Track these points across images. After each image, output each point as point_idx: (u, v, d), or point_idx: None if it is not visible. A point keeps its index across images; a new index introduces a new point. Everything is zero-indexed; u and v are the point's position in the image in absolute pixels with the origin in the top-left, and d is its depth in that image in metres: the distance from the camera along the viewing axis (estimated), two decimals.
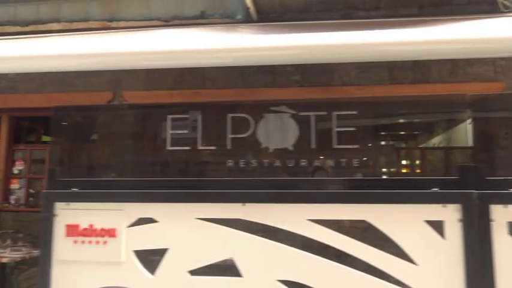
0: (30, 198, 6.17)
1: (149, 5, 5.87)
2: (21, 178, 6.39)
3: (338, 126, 2.91)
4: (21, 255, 4.83)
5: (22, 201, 6.28)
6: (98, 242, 1.86)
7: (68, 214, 1.91)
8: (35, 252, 5.06)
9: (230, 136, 2.68)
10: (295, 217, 1.74)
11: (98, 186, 1.94)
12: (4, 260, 4.67)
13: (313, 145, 2.65)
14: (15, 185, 6.37)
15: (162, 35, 5.17)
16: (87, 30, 5.85)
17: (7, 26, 6.16)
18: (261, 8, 5.45)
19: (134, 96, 5.82)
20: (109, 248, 1.85)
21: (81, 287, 1.86)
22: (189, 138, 3.08)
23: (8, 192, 6.33)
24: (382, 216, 1.69)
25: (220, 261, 1.80)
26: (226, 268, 1.80)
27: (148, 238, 1.85)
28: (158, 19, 5.80)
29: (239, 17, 5.50)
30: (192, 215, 1.81)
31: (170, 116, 3.17)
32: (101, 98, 5.87)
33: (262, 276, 1.75)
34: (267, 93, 5.48)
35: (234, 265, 1.77)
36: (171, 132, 3.11)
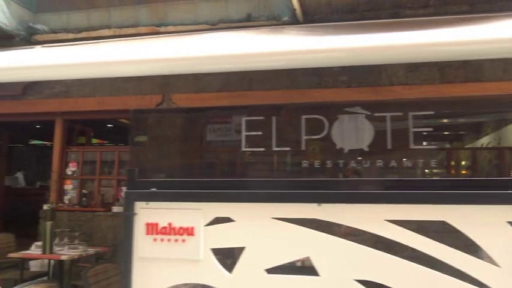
0: (83, 198, 6.41)
1: (196, 9, 6.00)
2: (74, 179, 6.65)
3: (415, 127, 2.88)
4: (78, 253, 5.04)
5: (75, 201, 6.54)
6: (176, 240, 1.93)
7: (147, 213, 1.98)
8: (91, 251, 5.28)
9: (304, 137, 2.71)
10: (372, 217, 1.75)
11: (175, 186, 2.02)
12: (63, 258, 4.88)
13: (389, 145, 2.65)
14: (68, 185, 6.65)
15: (211, 38, 5.26)
16: (136, 36, 6.04)
17: (61, 34, 6.43)
18: (307, 9, 5.46)
19: (183, 99, 5.96)
20: (188, 246, 1.91)
21: (161, 282, 1.94)
22: (263, 140, 3.13)
23: (62, 192, 6.60)
24: (462, 217, 1.68)
25: (296, 260, 1.83)
26: (303, 267, 1.82)
27: (225, 237, 1.91)
28: (205, 23, 5.92)
29: (285, 18, 5.53)
30: (267, 215, 1.85)
31: (245, 118, 3.23)
32: (150, 101, 6.04)
33: (339, 275, 1.77)
34: (314, 95, 5.49)
35: (311, 264, 1.80)
36: (245, 134, 3.17)
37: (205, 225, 1.92)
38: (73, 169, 6.68)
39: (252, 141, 3.20)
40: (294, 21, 5.53)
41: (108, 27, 6.26)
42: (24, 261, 5.37)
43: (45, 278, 5.64)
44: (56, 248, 5.06)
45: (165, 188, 2.02)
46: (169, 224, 1.95)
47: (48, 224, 4.97)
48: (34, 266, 5.88)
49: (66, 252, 5.01)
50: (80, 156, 6.72)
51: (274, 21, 5.63)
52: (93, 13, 6.36)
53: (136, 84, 6.13)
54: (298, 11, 5.44)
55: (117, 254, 5.09)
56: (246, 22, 5.76)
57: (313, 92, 5.50)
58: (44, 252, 4.94)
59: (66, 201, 6.50)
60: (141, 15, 6.16)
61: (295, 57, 4.20)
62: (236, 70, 4.68)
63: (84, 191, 6.50)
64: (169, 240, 1.94)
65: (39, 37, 6.46)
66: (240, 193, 1.89)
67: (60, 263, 5.19)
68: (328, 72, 5.52)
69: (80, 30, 6.35)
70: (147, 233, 1.98)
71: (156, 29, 6.11)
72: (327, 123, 2.81)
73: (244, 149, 3.19)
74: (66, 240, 5.35)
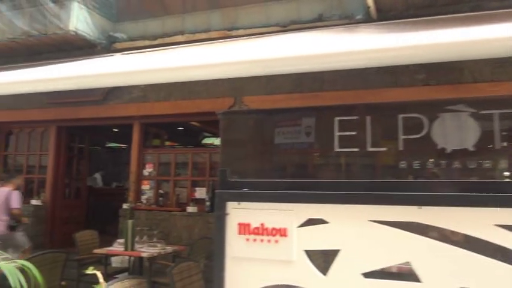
0: (160, 198, 6.67)
1: (267, 12, 6.03)
2: (150, 180, 6.94)
3: None
4: (158, 251, 5.23)
5: (152, 200, 6.82)
6: (269, 241, 1.92)
7: (239, 213, 2.00)
8: (168, 249, 5.46)
9: (402, 137, 2.62)
10: (480, 222, 1.64)
11: (267, 186, 2.02)
12: (143, 255, 5.09)
13: (497, 145, 2.48)
14: (145, 186, 6.94)
15: (283, 40, 5.27)
16: (208, 40, 6.19)
17: (138, 41, 6.74)
18: (381, 6, 5.31)
19: (254, 101, 6.01)
20: (280, 246, 1.91)
21: (254, 283, 1.95)
22: (357, 140, 3.07)
23: (139, 192, 6.91)
24: None
25: (395, 265, 1.75)
26: (403, 272, 1.75)
27: (319, 239, 1.88)
28: (276, 25, 5.94)
29: (358, 17, 5.41)
30: (364, 217, 1.80)
31: (337, 118, 3.18)
32: (223, 103, 6.16)
33: (443, 282, 1.68)
34: (388, 94, 5.32)
35: (412, 270, 1.72)
36: (338, 134, 3.12)
37: (298, 227, 1.90)
38: (149, 170, 6.97)
39: (345, 142, 3.14)
40: (367, 19, 5.39)
41: (182, 33, 6.47)
42: (108, 257, 5.66)
43: (126, 273, 5.92)
44: (136, 246, 5.29)
45: (256, 188, 2.03)
46: (262, 225, 1.95)
47: (130, 222, 5.21)
48: (115, 262, 6.19)
49: (146, 250, 5.22)
50: (155, 158, 7.00)
51: (346, 20, 5.53)
52: (168, 20, 6.61)
53: (209, 87, 6.28)
54: (372, 9, 5.29)
55: (194, 253, 5.22)
56: (318, 22, 5.70)
57: (387, 91, 5.32)
58: (126, 249, 5.19)
59: (144, 201, 6.79)
60: (213, 20, 6.31)
61: (372, 56, 4.08)
62: (312, 71, 4.63)
63: (160, 191, 6.75)
64: (261, 240, 1.94)
65: (118, 45, 6.83)
66: (335, 194, 1.85)
67: (140, 260, 5.43)
68: (404, 70, 5.32)
69: (155, 37, 6.63)
70: (240, 233, 2.00)
71: (228, 33, 6.22)
72: (426, 122, 2.68)
73: (337, 150, 3.13)
74: (145, 238, 5.59)
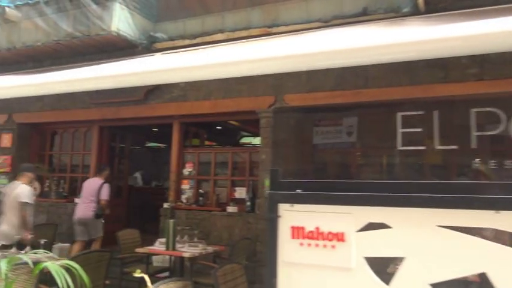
0: (200, 198, 6.64)
1: (308, 7, 5.88)
2: (190, 179, 6.93)
3: None
4: (199, 251, 5.19)
5: (192, 200, 6.80)
6: (325, 246, 1.80)
7: (292, 216, 1.88)
8: (209, 249, 5.41)
9: (475, 134, 2.43)
10: None
11: (322, 188, 1.89)
12: (185, 255, 5.06)
13: None
14: (185, 185, 6.94)
15: (329, 35, 5.10)
16: (248, 38, 6.09)
17: (178, 40, 6.74)
18: None
19: (295, 99, 5.88)
20: (338, 252, 1.77)
21: None
22: (423, 137, 2.89)
23: (179, 191, 6.92)
24: None
25: (469, 276, 1.59)
26: (477, 283, 1.58)
27: (380, 245, 1.73)
28: (318, 20, 5.78)
29: (406, 10, 5.17)
30: (432, 222, 1.64)
31: (400, 114, 3.01)
32: (263, 102, 6.05)
33: None
34: (438, 90, 5.05)
35: (487, 281, 1.55)
36: (402, 130, 2.95)
37: (357, 231, 1.76)
38: (189, 170, 6.96)
39: (409, 139, 2.96)
40: (415, 12, 5.14)
41: (222, 31, 6.41)
42: (149, 256, 5.68)
43: (167, 273, 5.92)
44: (177, 245, 5.27)
45: (310, 189, 1.90)
46: (317, 229, 1.83)
47: (171, 222, 5.19)
48: (156, 261, 6.21)
49: (187, 250, 5.19)
50: (195, 157, 6.98)
51: (392, 13, 5.29)
52: (207, 18, 6.57)
53: (249, 86, 6.19)
54: (421, 1, 5.04)
55: (235, 254, 5.15)
56: (362, 17, 5.50)
57: (437, 87, 5.05)
58: (167, 248, 5.17)
59: (184, 200, 6.79)
60: (254, 18, 6.22)
61: (423, 48, 3.87)
62: (359, 64, 4.46)
63: (200, 190, 6.72)
64: (317, 245, 1.82)
65: (158, 45, 6.85)
66: (398, 197, 1.70)
67: (181, 259, 5.41)
68: (455, 64, 5.04)
69: (195, 36, 6.60)
70: (293, 237, 1.88)
71: (268, 30, 6.11)
72: (504, 118, 2.47)
73: (400, 148, 2.95)
74: (186, 238, 5.56)
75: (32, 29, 6.96)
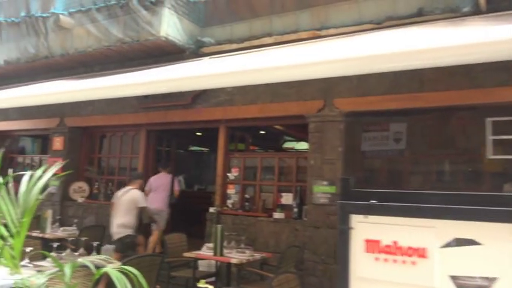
0: (246, 203, 6.57)
1: (359, 8, 5.71)
2: (236, 184, 6.88)
3: None
4: (246, 257, 5.11)
5: (237, 205, 6.74)
6: (404, 262, 1.66)
7: (366, 228, 1.76)
8: (257, 256, 5.32)
9: None
10: None
11: (400, 198, 1.76)
12: (233, 261, 4.99)
13: None
14: (231, 190, 6.89)
15: (382, 37, 4.91)
16: (297, 41, 5.99)
17: (225, 45, 6.72)
18: None
19: (345, 104, 5.71)
20: (418, 269, 1.63)
21: None
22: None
23: (225, 196, 6.88)
24: None
25: None
26: None
27: (468, 263, 1.58)
28: (370, 22, 5.60)
29: (466, 9, 4.91)
30: None
31: (490, 119, 2.82)
32: (312, 106, 5.92)
33: None
34: (501, 94, 4.76)
35: None
36: (492, 137, 2.77)
37: (441, 247, 1.61)
38: (235, 174, 6.91)
39: (502, 147, 2.76)
40: (476, 11, 4.88)
41: (270, 35, 6.34)
42: (196, 260, 5.64)
43: (213, 278, 5.88)
44: (224, 251, 5.21)
45: (387, 200, 1.77)
46: (395, 243, 1.69)
47: (219, 227, 5.14)
48: (202, 266, 6.18)
49: (234, 256, 5.12)
50: (241, 162, 6.93)
51: (451, 13, 5.05)
52: (255, 22, 6.52)
53: (297, 90, 6.07)
54: (482, 0, 4.78)
55: (284, 262, 5.03)
56: (417, 17, 5.28)
57: (501, 90, 4.76)
58: (215, 254, 5.12)
59: (230, 205, 6.74)
60: (302, 20, 6.11)
61: (488, 50, 3.63)
62: (416, 68, 4.24)
63: (246, 196, 6.65)
64: (395, 261, 1.69)
65: (205, 49, 6.87)
66: (491, 211, 1.54)
67: (227, 265, 5.35)
68: None
69: (242, 40, 6.57)
70: (367, 251, 1.75)
71: (317, 33, 5.99)
72: None
73: (490, 157, 2.76)
74: (233, 243, 5.50)
75: (84, 35, 7.15)
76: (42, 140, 10.62)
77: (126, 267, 2.53)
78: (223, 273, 5.63)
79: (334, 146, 5.67)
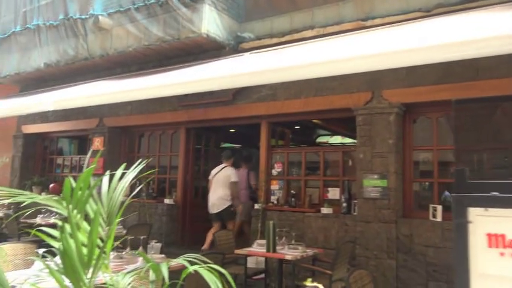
0: (292, 199, 6.50)
1: None
2: (280, 179, 6.82)
3: None
4: (300, 254, 5.04)
5: (282, 201, 6.69)
6: None
7: (487, 221, 1.67)
8: (309, 252, 5.25)
9: None
10: None
11: None
12: (288, 257, 4.93)
13: None
14: (274, 185, 6.84)
15: (433, 26, 4.76)
16: (340, 33, 5.87)
17: (265, 39, 6.65)
18: None
19: (395, 95, 5.57)
20: None
21: None
22: None
23: (269, 192, 6.83)
24: None
25: None
26: None
27: None
28: (418, 10, 5.45)
29: None
30: None
31: None
32: (358, 99, 5.81)
33: None
34: None
35: None
36: None
37: None
38: (278, 170, 6.85)
39: None
40: None
41: (312, 27, 6.25)
42: (246, 257, 5.60)
43: (263, 275, 5.85)
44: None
45: (509, 191, 1.67)
46: None
47: (271, 223, 5.09)
48: (250, 263, 6.13)
49: (287, 252, 5.06)
50: (285, 157, 6.86)
51: None
52: (296, 15, 6.43)
53: (342, 82, 5.97)
54: None
55: (339, 258, 4.95)
56: (469, 3, 5.10)
57: None
58: (267, 250, 5.07)
59: (274, 201, 6.69)
60: (346, 11, 5.99)
61: None
62: (474, 57, 4.07)
63: (292, 191, 6.59)
64: None
65: (245, 45, 6.82)
66: None
67: (280, 262, 5.29)
68: None
69: (283, 34, 6.49)
70: (490, 246, 1.66)
71: (362, 23, 5.86)
72: None
73: None
74: (284, 239, 5.44)
75: (123, 36, 7.18)
76: (80, 141, 10.80)
77: (213, 265, 2.49)
78: (274, 270, 5.59)
79: (384, 138, 5.55)
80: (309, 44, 5.85)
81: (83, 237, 2.03)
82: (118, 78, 7.25)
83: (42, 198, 2.04)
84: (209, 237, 7.24)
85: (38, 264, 3.70)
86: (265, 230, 5.18)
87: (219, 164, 7.49)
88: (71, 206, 1.99)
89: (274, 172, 6.90)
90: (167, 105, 7.70)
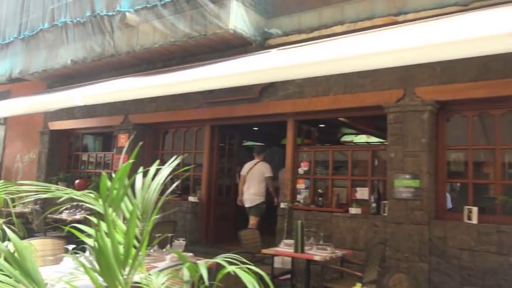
0: (320, 198, 6.37)
1: None
2: (307, 178, 6.69)
3: None
4: (329, 254, 4.92)
5: (308, 200, 6.56)
6: None
7: None
8: (338, 253, 5.12)
9: None
10: None
11: None
12: (316, 258, 4.81)
13: None
14: (301, 184, 6.72)
15: (471, 20, 4.56)
16: (371, 29, 5.70)
17: (293, 35, 6.53)
18: None
19: (428, 92, 5.38)
20: None
21: None
22: None
23: (295, 191, 6.71)
24: None
25: None
26: None
27: None
28: (454, 4, 5.25)
29: None
30: None
31: None
32: (390, 96, 5.63)
33: None
34: None
35: None
36: None
37: None
38: (305, 169, 6.73)
39: None
40: None
41: (341, 23, 6.10)
42: (273, 257, 5.50)
43: (289, 275, 5.74)
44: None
45: None
46: None
47: (299, 223, 4.98)
48: (276, 263, 6.04)
49: (316, 253, 4.94)
50: (311, 155, 6.73)
51: None
52: (325, 11, 6.29)
53: (373, 79, 5.80)
54: None
55: (370, 260, 4.80)
56: None
57: None
58: (295, 250, 4.96)
59: (301, 200, 6.57)
60: (377, 6, 5.83)
61: None
62: None
63: (320, 190, 6.45)
64: None
65: (272, 41, 6.72)
66: None
67: (307, 262, 5.17)
68: None
69: (311, 30, 6.36)
70: None
71: (394, 18, 5.69)
72: None
73: None
74: (312, 240, 5.32)
75: (149, 32, 7.16)
76: (104, 138, 10.87)
77: (252, 267, 2.39)
78: (301, 270, 5.48)
79: (417, 137, 5.37)
80: (339, 39, 5.71)
81: (119, 236, 1.96)
82: (144, 75, 7.23)
83: (79, 194, 1.98)
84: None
85: (68, 260, 3.69)
86: (293, 230, 5.07)
87: (249, 161, 7.49)
88: (106, 204, 1.93)
89: (300, 171, 6.77)
90: (192, 102, 7.66)
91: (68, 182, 9.71)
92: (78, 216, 7.34)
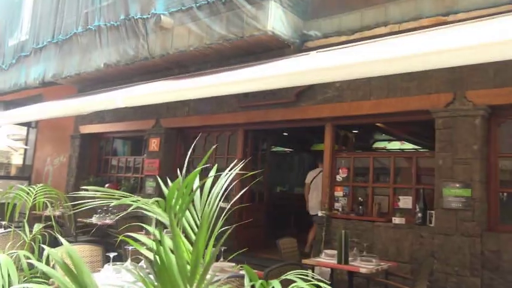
0: (360, 207, 6.10)
1: None
2: (345, 186, 6.44)
3: None
4: (375, 267, 4.65)
5: (347, 208, 6.30)
6: None
7: None
8: (384, 265, 4.85)
9: None
10: None
11: None
12: (363, 270, 4.55)
13: None
14: (338, 192, 6.46)
15: None
16: (417, 30, 5.44)
17: (332, 37, 6.31)
18: None
19: (480, 96, 5.09)
20: None
21: None
22: None
23: (333, 199, 6.46)
24: None
25: None
26: None
27: None
28: (510, 3, 4.94)
29: None
30: None
31: None
32: (438, 100, 5.35)
33: None
34: None
35: None
36: None
37: None
38: (343, 175, 6.48)
39: None
40: None
41: (385, 24, 5.85)
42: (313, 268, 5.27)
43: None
44: None
45: None
46: None
47: (343, 232, 4.73)
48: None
49: (359, 264, 4.68)
50: (350, 162, 6.48)
51: None
52: (368, 11, 6.05)
53: (419, 83, 5.53)
54: None
55: (421, 274, 4.52)
56: None
57: None
58: (339, 262, 4.70)
59: (339, 209, 6.31)
60: (424, 6, 5.56)
61: None
62: None
63: (360, 198, 6.19)
64: None
65: (310, 43, 6.52)
66: None
67: (350, 275, 4.92)
68: None
69: (353, 32, 6.13)
70: None
71: (443, 18, 5.41)
72: None
73: None
74: (355, 250, 5.06)
75: (184, 35, 7.04)
76: (133, 142, 10.82)
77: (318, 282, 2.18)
78: (342, 283, 5.22)
79: (468, 143, 5.06)
80: (382, 41, 5.47)
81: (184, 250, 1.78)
82: (178, 78, 7.12)
83: (144, 202, 1.81)
84: (310, 236, 7.46)
85: (108, 269, 3.54)
86: (334, 240, 4.83)
87: (314, 168, 7.68)
88: (172, 216, 1.75)
89: (338, 178, 6.52)
90: (226, 106, 7.50)
91: (98, 186, 9.65)
92: (108, 221, 7.25)
